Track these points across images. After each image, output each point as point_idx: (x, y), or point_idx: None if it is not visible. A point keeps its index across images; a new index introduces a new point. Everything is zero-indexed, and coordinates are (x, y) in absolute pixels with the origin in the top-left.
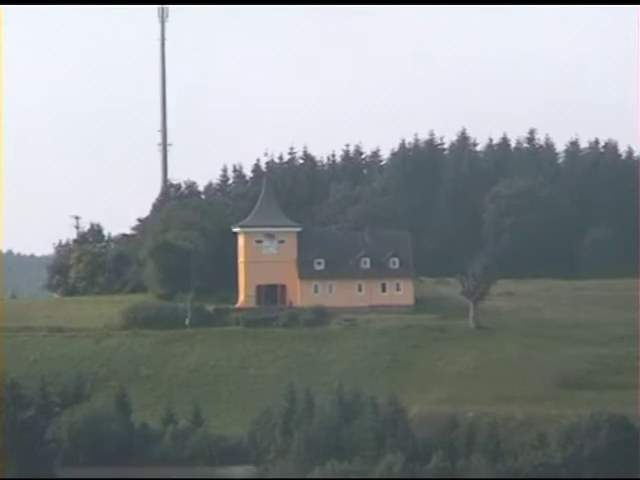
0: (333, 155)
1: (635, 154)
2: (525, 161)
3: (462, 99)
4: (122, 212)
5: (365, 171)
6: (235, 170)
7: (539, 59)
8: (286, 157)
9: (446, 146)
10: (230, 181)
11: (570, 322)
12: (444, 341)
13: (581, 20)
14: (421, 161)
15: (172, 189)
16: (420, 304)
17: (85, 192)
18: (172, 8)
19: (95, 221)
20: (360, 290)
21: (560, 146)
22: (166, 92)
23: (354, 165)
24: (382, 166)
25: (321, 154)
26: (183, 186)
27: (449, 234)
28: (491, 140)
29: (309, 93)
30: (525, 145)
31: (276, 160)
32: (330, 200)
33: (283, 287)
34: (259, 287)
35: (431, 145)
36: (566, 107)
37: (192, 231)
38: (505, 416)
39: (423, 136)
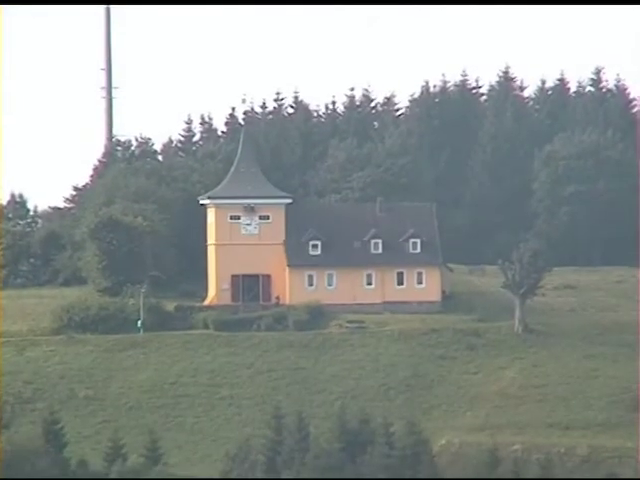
0: (333, 102)
1: None
2: (589, 110)
3: (503, 26)
4: (52, 178)
5: (376, 124)
6: (203, 122)
7: None
8: (271, 105)
9: (484, 90)
10: (196, 137)
11: None
12: (481, 350)
13: None
14: (450, 110)
15: (119, 148)
16: (449, 301)
17: (3, 153)
18: None
19: (16, 191)
20: (370, 282)
21: (635, 90)
22: (110, 16)
23: (361, 116)
24: (398, 117)
25: (317, 101)
26: (134, 144)
27: (488, 208)
28: (543, 82)
29: (300, 18)
30: (589, 89)
31: (257, 109)
32: (329, 163)
33: (267, 278)
34: (235, 278)
35: (464, 89)
36: None
37: (146, 204)
38: (562, 450)
39: (453, 77)
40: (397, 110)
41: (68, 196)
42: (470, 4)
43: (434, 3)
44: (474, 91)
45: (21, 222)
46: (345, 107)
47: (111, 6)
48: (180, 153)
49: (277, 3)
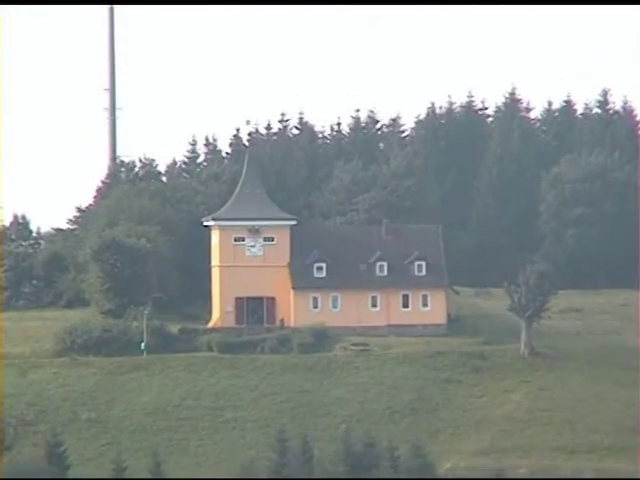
0: (338, 124)
1: None
2: (596, 132)
3: (510, 46)
4: (55, 200)
5: (381, 145)
6: (207, 143)
7: None
8: (275, 126)
9: (490, 111)
10: (200, 158)
11: None
12: (486, 373)
13: None
14: (456, 131)
15: (122, 169)
16: (455, 323)
17: (5, 173)
18: None
19: (19, 212)
20: (374, 305)
21: None
22: (114, 37)
23: (366, 137)
24: (404, 138)
25: (322, 122)
26: (137, 165)
27: (494, 229)
28: (550, 104)
29: (306, 38)
30: (596, 110)
31: (262, 130)
32: (335, 184)
33: (271, 300)
34: (239, 300)
35: (470, 110)
36: None
37: (150, 225)
38: (568, 474)
39: (459, 98)
40: (403, 131)
41: (71, 217)
42: (475, 14)
43: (441, 16)
44: (480, 112)
45: (24, 243)
46: (350, 128)
47: (115, 26)
48: (184, 174)
49: (281, 15)
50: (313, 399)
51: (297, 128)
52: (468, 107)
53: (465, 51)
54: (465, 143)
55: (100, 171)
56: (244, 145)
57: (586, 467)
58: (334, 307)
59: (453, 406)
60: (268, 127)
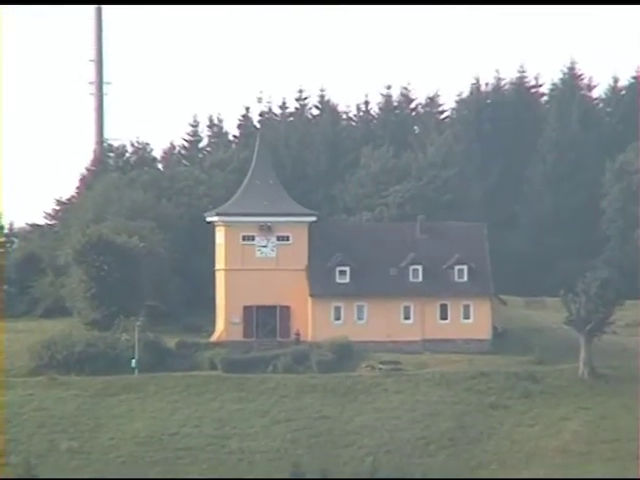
0: (366, 103)
1: None
2: None
3: (568, 13)
4: (32, 190)
5: (416, 128)
6: (211, 125)
7: None
8: (292, 105)
9: (545, 89)
10: (203, 142)
11: None
12: (539, 398)
13: None
14: (505, 113)
15: (111, 154)
16: (502, 339)
17: None
18: None
19: None
20: (407, 316)
21: None
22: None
23: (399, 119)
24: (443, 121)
25: (347, 101)
26: (129, 150)
27: (548, 229)
28: (616, 80)
29: (328, 5)
30: None
31: (276, 110)
32: (361, 174)
33: (286, 310)
34: (248, 310)
35: (521, 87)
36: None
37: (143, 221)
38: None
39: (508, 73)
40: (441, 112)
41: (50, 211)
42: None
43: None
44: (533, 90)
45: None
46: (380, 109)
47: None
48: (184, 161)
49: None
50: (334, 427)
51: (317, 108)
52: (519, 84)
53: (516, 18)
54: (515, 127)
55: (84, 157)
56: (255, 127)
57: None
58: (359, 319)
59: (499, 437)
60: (283, 106)
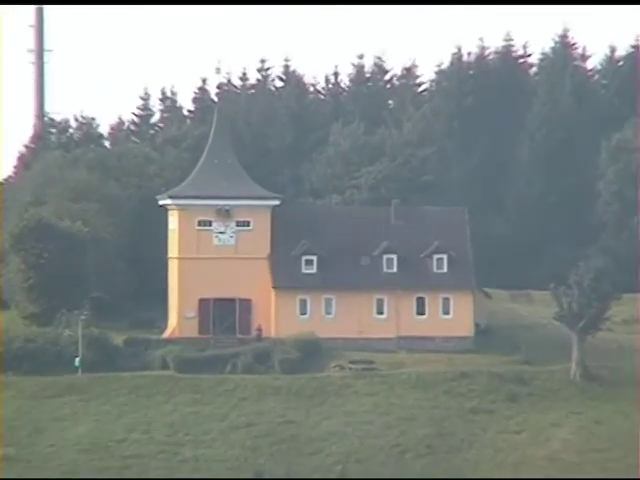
0: (335, 74)
1: None
2: None
3: None
4: None
5: (391, 102)
6: (164, 98)
7: None
8: (253, 77)
9: (534, 59)
10: (155, 117)
11: None
12: (526, 401)
13: None
14: (489, 86)
15: (52, 130)
16: (485, 336)
17: None
18: None
19: None
20: (381, 311)
21: None
22: None
23: (372, 92)
24: (420, 94)
25: (314, 72)
26: (72, 125)
27: (537, 214)
28: (613, 50)
29: None
30: None
31: (236, 82)
32: (330, 153)
33: (246, 303)
34: (204, 303)
35: (508, 57)
36: None
37: (88, 204)
38: None
39: (494, 41)
40: (419, 85)
41: None
42: None
43: None
44: (521, 60)
45: None
46: (351, 80)
47: None
48: (133, 138)
49: None
50: (299, 433)
51: (281, 79)
52: (505, 53)
53: None
54: (500, 101)
55: (23, 132)
56: (212, 101)
57: None
58: (328, 313)
59: (482, 444)
60: (243, 77)
